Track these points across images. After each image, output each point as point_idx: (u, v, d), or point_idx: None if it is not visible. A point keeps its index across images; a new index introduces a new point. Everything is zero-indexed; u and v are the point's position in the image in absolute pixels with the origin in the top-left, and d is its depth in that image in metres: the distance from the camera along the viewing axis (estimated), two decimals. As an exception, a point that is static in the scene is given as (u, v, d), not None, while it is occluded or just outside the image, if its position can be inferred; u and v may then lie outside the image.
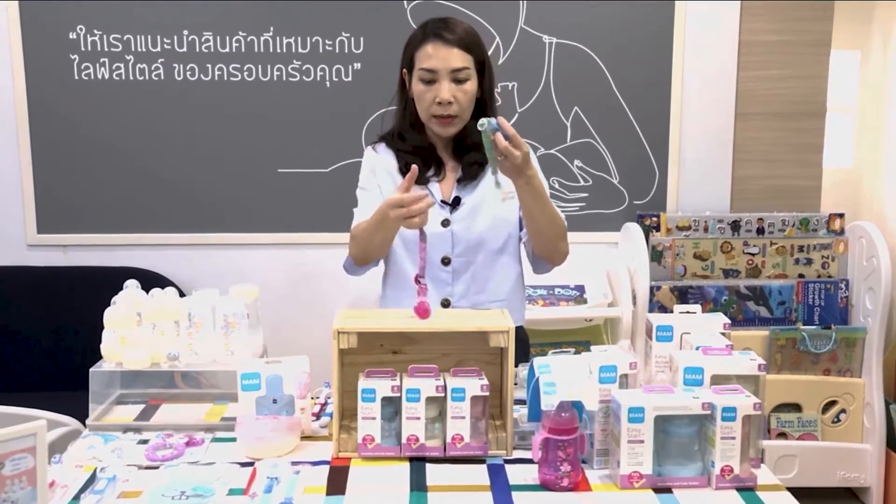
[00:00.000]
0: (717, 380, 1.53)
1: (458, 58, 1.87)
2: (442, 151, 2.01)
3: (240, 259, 3.23)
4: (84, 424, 1.77)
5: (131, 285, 1.88)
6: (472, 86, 1.91)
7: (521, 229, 2.02)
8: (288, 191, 3.23)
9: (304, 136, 3.21)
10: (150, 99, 3.15)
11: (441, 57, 1.87)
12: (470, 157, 1.96)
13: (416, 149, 1.97)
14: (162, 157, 3.20)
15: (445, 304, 1.96)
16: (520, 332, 2.08)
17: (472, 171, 1.97)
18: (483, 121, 1.69)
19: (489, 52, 2.05)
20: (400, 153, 1.99)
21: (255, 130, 3.20)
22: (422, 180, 1.96)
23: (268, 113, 3.18)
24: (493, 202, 1.98)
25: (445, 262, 1.96)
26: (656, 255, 3.21)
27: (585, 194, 3.28)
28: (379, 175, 2.01)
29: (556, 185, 3.21)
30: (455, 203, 1.98)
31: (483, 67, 1.93)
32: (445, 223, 1.96)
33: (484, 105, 1.96)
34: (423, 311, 1.63)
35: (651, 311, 3.06)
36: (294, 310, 3.26)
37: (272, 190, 3.23)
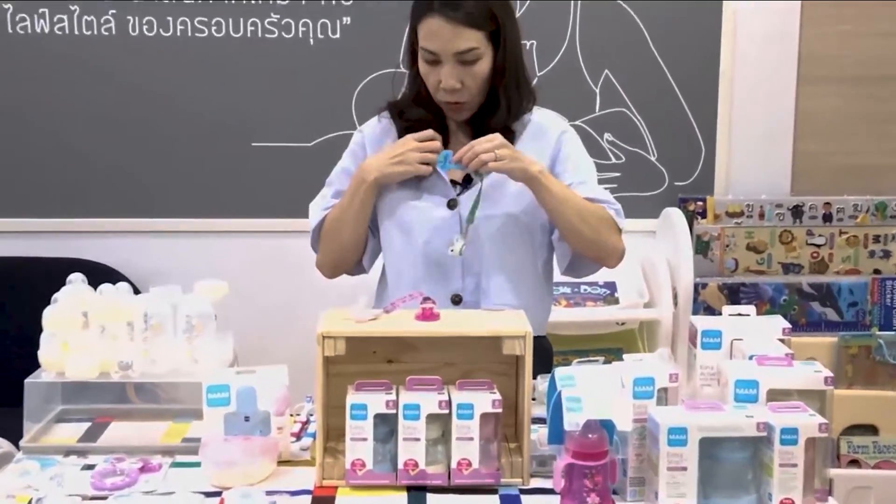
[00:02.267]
0: (775, 395, 1.52)
1: (464, 38, 1.85)
2: (454, 131, 2.01)
3: (206, 249, 3.24)
4: (17, 447, 1.77)
5: (75, 280, 1.88)
6: (483, 66, 1.90)
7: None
8: (263, 168, 3.23)
9: (282, 104, 3.20)
10: (99, 58, 3.14)
11: (445, 38, 1.85)
12: (488, 129, 1.97)
13: (418, 123, 1.96)
14: (113, 127, 3.18)
15: (456, 300, 1.97)
16: (541, 338, 2.08)
17: None
18: (440, 162, 1.87)
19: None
20: (404, 129, 1.99)
21: (224, 96, 3.19)
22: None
23: (240, 76, 3.17)
24: (510, 183, 1.95)
25: (452, 250, 1.96)
26: (702, 247, 3.19)
27: (617, 174, 3.26)
28: (369, 152, 2.01)
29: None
30: (466, 181, 1.98)
31: (498, 35, 1.90)
32: (451, 204, 1.96)
33: (496, 84, 1.93)
34: (428, 315, 1.63)
35: (696, 313, 3.04)
36: (271, 310, 3.27)
37: (245, 167, 3.23)
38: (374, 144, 2.04)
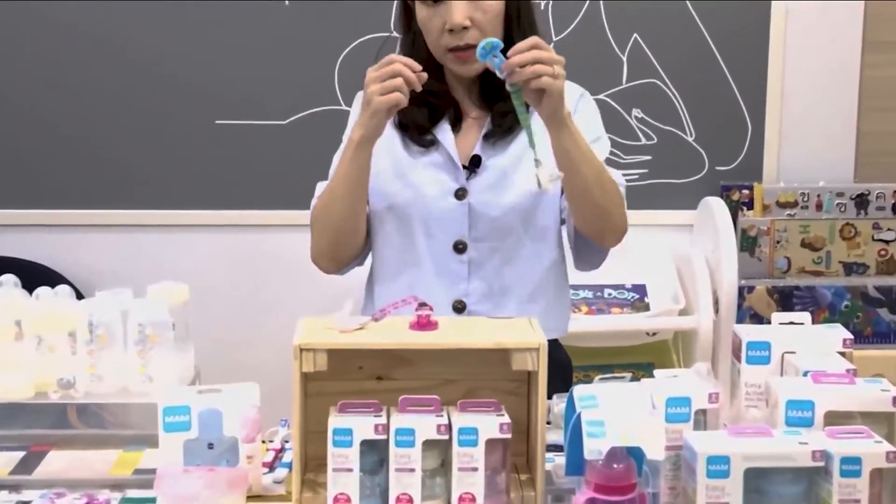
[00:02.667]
0: (835, 418, 1.52)
1: None
2: (463, 97, 2.02)
3: (162, 246, 3.26)
4: (-64, 480, 1.83)
5: (6, 282, 1.87)
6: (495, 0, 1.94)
7: (562, 195, 2.03)
8: (229, 151, 3.26)
9: (252, 75, 3.22)
10: (30, 21, 3.14)
11: None
12: (502, 105, 1.96)
13: (422, 95, 1.92)
14: (48, 102, 3.19)
15: (459, 307, 1.99)
16: (558, 351, 2.10)
17: (505, 123, 1.98)
18: (483, 48, 1.74)
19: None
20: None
21: (182, 65, 3.20)
22: (426, 135, 1.97)
23: (202, 42, 3.18)
24: (529, 166, 1.97)
25: (459, 248, 1.97)
26: (748, 244, 3.22)
27: (648, 157, 3.29)
28: None
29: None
30: (474, 164, 1.99)
31: None
32: (460, 194, 1.97)
33: (510, 25, 1.94)
34: (424, 323, 1.64)
35: (740, 321, 3.06)
36: (239, 318, 3.31)
37: (207, 150, 3.26)
38: None
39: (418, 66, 1.81)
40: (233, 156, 3.25)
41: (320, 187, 2.04)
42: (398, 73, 1.79)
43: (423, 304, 1.67)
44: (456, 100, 2.02)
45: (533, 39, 1.78)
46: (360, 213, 1.99)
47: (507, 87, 1.79)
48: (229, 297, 3.28)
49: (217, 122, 3.22)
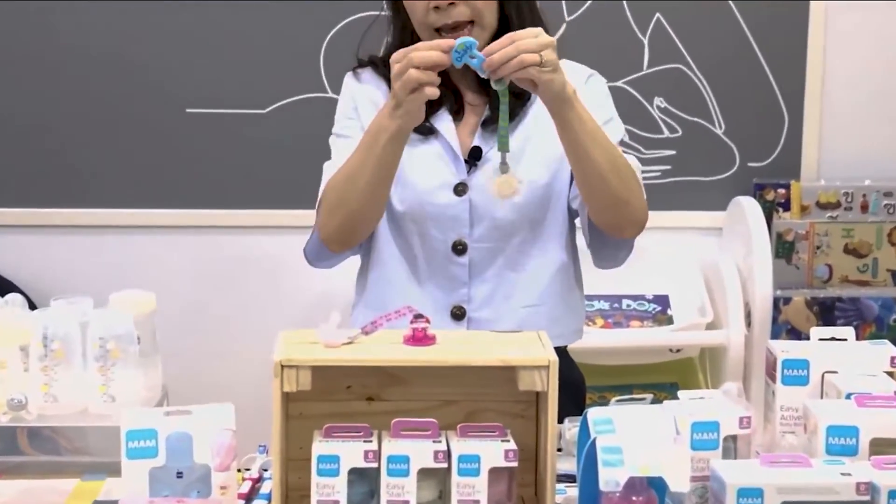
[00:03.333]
0: (881, 446, 1.52)
1: None
2: (459, 80, 2.03)
3: (126, 250, 3.27)
4: None
5: (-48, 291, 1.91)
6: None
7: (571, 184, 2.04)
8: (202, 144, 3.26)
9: (228, 59, 3.23)
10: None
11: None
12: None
13: None
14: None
15: (458, 313, 1.99)
16: (570, 369, 2.10)
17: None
18: (456, 51, 1.75)
19: None
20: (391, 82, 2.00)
21: (149, 49, 3.20)
22: (425, 122, 1.95)
23: (170, 22, 3.18)
24: (536, 155, 1.98)
25: (459, 249, 1.98)
26: (784, 249, 3.22)
27: (671, 152, 3.30)
28: (363, 112, 2.03)
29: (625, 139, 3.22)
30: (474, 156, 2.00)
31: None
32: (460, 189, 1.98)
33: (503, 2, 1.96)
34: (420, 337, 1.63)
35: (776, 336, 3.07)
36: (212, 330, 3.30)
37: (177, 142, 3.26)
38: (367, 106, 2.03)
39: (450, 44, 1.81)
40: (206, 149, 3.24)
41: (329, 169, 2.03)
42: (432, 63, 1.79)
43: (418, 316, 1.67)
44: (455, 84, 2.02)
45: (509, 35, 1.78)
46: (383, 198, 1.98)
47: (493, 86, 1.81)
48: (201, 307, 3.28)
49: (188, 110, 3.22)
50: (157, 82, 3.23)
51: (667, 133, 3.30)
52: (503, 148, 1.83)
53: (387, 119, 1.87)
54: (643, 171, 2.08)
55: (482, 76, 1.81)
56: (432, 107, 1.98)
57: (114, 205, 3.27)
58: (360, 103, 2.05)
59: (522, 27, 1.86)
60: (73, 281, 3.12)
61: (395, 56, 1.82)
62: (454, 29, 1.92)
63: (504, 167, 1.84)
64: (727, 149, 3.32)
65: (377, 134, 1.89)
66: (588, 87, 2.03)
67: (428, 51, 1.77)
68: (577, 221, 2.10)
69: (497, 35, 1.86)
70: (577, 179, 1.95)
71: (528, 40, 1.76)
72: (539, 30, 1.81)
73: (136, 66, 3.22)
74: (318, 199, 2.04)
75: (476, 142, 2.00)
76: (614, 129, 2.02)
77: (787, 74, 3.30)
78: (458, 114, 2.03)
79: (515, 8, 1.96)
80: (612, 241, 2.04)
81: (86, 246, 3.27)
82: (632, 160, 1.99)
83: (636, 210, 1.96)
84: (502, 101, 1.83)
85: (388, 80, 1.99)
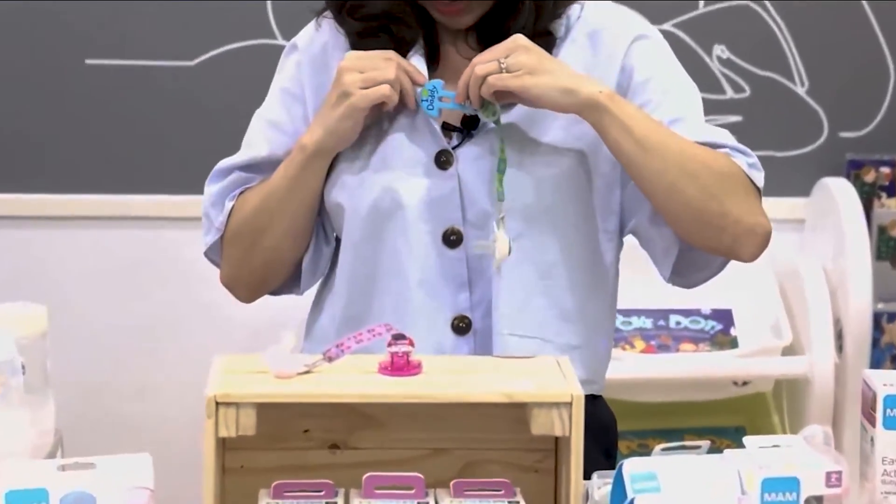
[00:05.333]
0: None
1: None
2: (444, 32, 2.08)
3: (7, 249, 3.34)
4: None
5: None
6: None
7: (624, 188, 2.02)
8: (108, 106, 3.32)
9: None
10: None
11: None
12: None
13: (383, 23, 2.00)
14: None
15: (463, 326, 2.02)
16: (597, 405, 2.11)
17: None
18: (425, 100, 1.95)
19: None
20: (356, 35, 2.03)
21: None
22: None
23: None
24: (548, 123, 2.00)
25: (452, 239, 2.03)
26: (889, 248, 3.25)
27: (736, 118, 3.37)
28: (309, 83, 2.08)
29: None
30: (469, 125, 2.04)
31: None
32: (444, 160, 2.02)
33: None
34: (401, 365, 1.64)
35: (876, 364, 3.14)
36: (123, 355, 3.32)
37: (73, 104, 3.32)
38: (317, 74, 2.08)
39: (422, 78, 1.96)
40: (113, 114, 3.27)
41: (215, 188, 2.10)
42: (390, 81, 1.94)
43: (399, 337, 1.69)
44: (438, 41, 2.08)
45: (476, 59, 1.93)
46: (304, 231, 2.08)
47: (484, 119, 1.97)
48: (108, 325, 3.27)
49: (88, 61, 3.30)
50: (48, 24, 3.27)
51: (730, 93, 3.34)
52: (501, 197, 1.93)
53: (314, 130, 1.99)
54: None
55: (469, 114, 1.98)
56: (403, 53, 2.02)
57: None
58: (307, 73, 2.10)
59: None
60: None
61: (375, 55, 1.92)
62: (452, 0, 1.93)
63: (499, 223, 1.92)
64: (811, 114, 3.35)
65: (296, 151, 2.02)
66: (639, 61, 2.05)
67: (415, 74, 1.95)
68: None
69: (500, 7, 1.99)
70: (645, 192, 2.00)
71: (486, 54, 1.92)
72: (514, 37, 1.92)
73: (27, 11, 3.27)
74: (211, 232, 2.09)
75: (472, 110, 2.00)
76: (688, 128, 2.02)
77: (894, 17, 3.36)
78: (434, 62, 2.07)
79: None
80: (698, 266, 2.08)
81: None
82: (735, 154, 2.00)
83: (741, 223, 1.99)
84: (497, 138, 1.95)
85: (347, 33, 2.05)
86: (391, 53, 1.96)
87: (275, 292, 2.15)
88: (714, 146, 1.98)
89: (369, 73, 1.93)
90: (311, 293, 2.15)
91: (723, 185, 1.95)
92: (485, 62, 1.89)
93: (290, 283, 2.13)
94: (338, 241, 2.14)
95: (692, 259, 2.05)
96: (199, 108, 3.21)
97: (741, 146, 1.99)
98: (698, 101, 2.07)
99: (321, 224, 2.11)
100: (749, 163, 1.99)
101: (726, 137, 2.01)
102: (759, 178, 2.00)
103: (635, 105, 1.96)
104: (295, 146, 2.01)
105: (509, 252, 1.90)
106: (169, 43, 3.22)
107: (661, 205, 1.97)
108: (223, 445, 1.57)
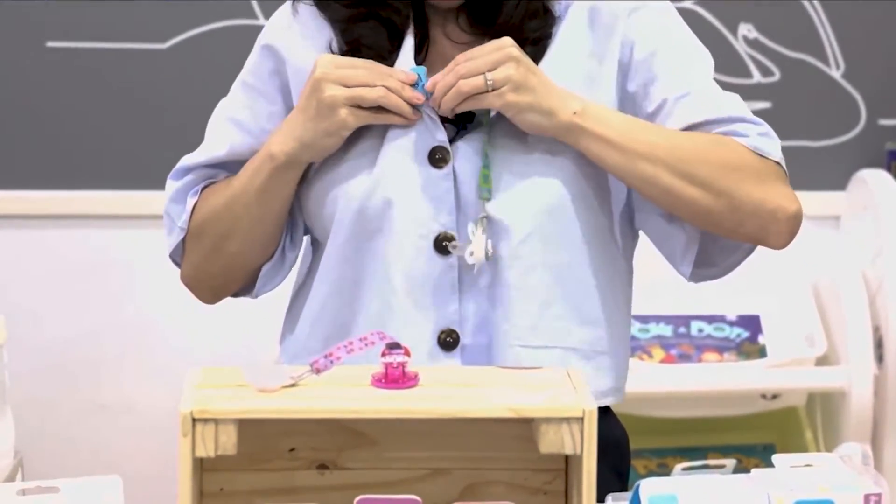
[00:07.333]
0: None
1: None
2: (434, 13, 2.09)
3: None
4: None
5: None
6: None
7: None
8: (71, 94, 3.33)
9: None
10: None
11: None
12: (506, 25, 2.01)
13: (372, 6, 1.98)
14: None
15: (450, 340, 2.02)
16: (609, 422, 2.12)
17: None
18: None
19: None
20: (340, 22, 2.04)
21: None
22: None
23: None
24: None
25: (443, 246, 2.04)
26: (935, 249, 3.24)
27: (765, 104, 3.39)
28: (284, 73, 2.09)
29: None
30: (464, 119, 2.03)
31: None
32: (439, 157, 2.04)
33: None
34: (397, 377, 1.63)
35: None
36: (87, 370, 3.33)
37: (32, 90, 3.36)
38: (295, 62, 2.09)
39: (417, 99, 1.97)
40: (76, 102, 3.27)
41: (176, 185, 2.11)
42: (383, 97, 1.97)
43: (394, 346, 1.70)
44: (426, 21, 2.09)
45: (457, 58, 1.97)
46: (272, 238, 2.10)
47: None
48: (72, 335, 3.27)
49: (49, 44, 3.31)
50: (3, 2, 3.26)
51: (758, 77, 3.33)
52: (486, 196, 2.00)
53: (283, 137, 2.00)
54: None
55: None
56: (395, 42, 2.03)
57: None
58: (282, 62, 2.11)
59: None
60: None
61: (358, 65, 1.94)
62: None
63: (480, 222, 1.94)
64: (848, 99, 3.35)
65: (266, 158, 2.02)
66: (638, 35, 2.07)
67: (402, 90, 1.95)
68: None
69: None
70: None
71: (470, 63, 1.92)
72: (502, 40, 1.93)
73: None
74: (174, 230, 2.11)
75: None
76: (693, 106, 2.03)
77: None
78: (422, 50, 2.08)
79: None
80: (724, 254, 2.09)
81: None
82: (752, 127, 2.04)
83: (761, 212, 2.02)
84: (484, 132, 1.98)
85: (330, 19, 2.04)
86: (377, 66, 2.00)
87: (234, 294, 2.18)
88: (722, 122, 2.01)
89: (357, 91, 1.95)
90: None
91: (728, 178, 1.97)
92: (470, 75, 1.91)
93: (248, 286, 2.15)
94: (314, 243, 2.13)
95: (719, 244, 2.06)
96: (171, 96, 3.21)
97: (751, 117, 2.03)
98: (705, 69, 2.08)
99: (289, 227, 2.13)
100: (759, 132, 2.02)
101: (734, 107, 2.04)
102: (773, 149, 2.03)
103: (613, 111, 1.99)
104: (262, 152, 2.02)
105: (487, 257, 1.91)
106: (138, 23, 3.22)
107: (667, 209, 2.01)
108: (200, 466, 1.56)
